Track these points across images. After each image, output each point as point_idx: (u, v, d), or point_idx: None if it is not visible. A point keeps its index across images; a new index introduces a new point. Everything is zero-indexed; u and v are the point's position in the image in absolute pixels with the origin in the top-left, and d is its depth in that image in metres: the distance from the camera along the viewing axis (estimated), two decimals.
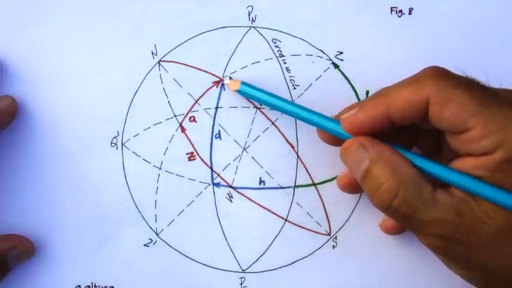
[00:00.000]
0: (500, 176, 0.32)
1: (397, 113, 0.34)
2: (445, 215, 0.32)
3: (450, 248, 0.33)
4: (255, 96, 0.40)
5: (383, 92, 0.35)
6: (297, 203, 0.42)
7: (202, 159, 0.42)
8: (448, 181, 0.33)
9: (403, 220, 0.34)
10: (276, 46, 0.41)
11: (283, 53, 0.41)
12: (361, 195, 0.42)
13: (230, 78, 0.41)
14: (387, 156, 0.34)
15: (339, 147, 0.37)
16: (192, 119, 0.42)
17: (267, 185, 0.42)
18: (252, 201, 0.42)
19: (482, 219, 0.32)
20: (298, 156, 0.42)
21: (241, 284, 0.42)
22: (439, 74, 0.34)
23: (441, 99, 0.32)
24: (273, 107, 0.39)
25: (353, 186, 0.39)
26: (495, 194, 0.32)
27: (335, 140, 0.37)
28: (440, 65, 0.41)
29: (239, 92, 0.40)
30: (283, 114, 0.41)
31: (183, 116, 0.42)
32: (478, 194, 0.32)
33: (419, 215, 0.33)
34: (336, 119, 0.37)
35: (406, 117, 0.34)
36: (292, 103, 0.39)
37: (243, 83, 0.40)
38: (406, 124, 0.34)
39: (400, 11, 0.41)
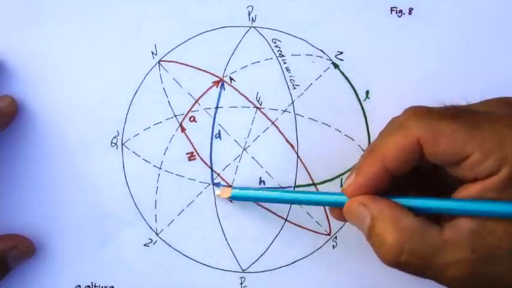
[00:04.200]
0: (509, 194, 0.31)
1: (394, 164, 0.33)
2: (460, 254, 0.31)
3: (474, 283, 0.32)
4: (250, 197, 0.40)
5: (373, 149, 0.34)
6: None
7: (202, 159, 0.42)
8: (456, 212, 0.33)
9: (418, 272, 0.33)
10: (276, 46, 0.41)
11: (283, 53, 0.41)
12: None
13: (220, 185, 0.42)
14: (387, 211, 0.33)
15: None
16: (192, 119, 0.42)
17: (267, 185, 0.42)
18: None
19: (496, 245, 0.31)
20: (298, 156, 0.42)
21: (241, 284, 0.42)
22: (420, 112, 0.33)
23: (432, 136, 0.32)
24: (272, 201, 0.40)
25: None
26: (508, 208, 0.31)
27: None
28: (441, 65, 0.41)
29: (231, 198, 0.41)
30: (283, 114, 0.41)
31: (183, 115, 0.42)
32: (490, 214, 0.31)
33: (434, 261, 0.32)
34: (339, 193, 0.37)
35: (404, 165, 0.33)
36: (291, 191, 0.40)
37: (234, 188, 0.40)
38: (405, 171, 0.34)
39: (400, 11, 0.41)
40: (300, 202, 0.39)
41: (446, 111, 0.33)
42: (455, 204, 0.33)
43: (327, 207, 0.42)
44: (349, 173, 0.36)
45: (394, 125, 0.34)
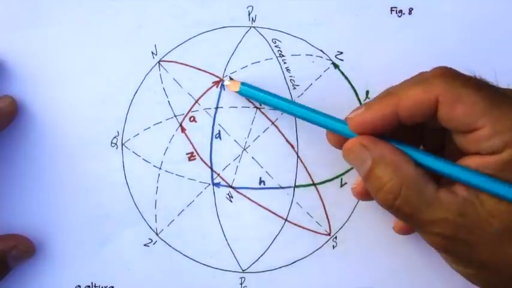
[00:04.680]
0: (508, 175, 0.32)
1: (406, 113, 0.34)
2: (447, 214, 0.32)
3: (452, 246, 0.33)
4: (255, 97, 0.40)
5: (391, 91, 0.35)
6: (297, 203, 0.42)
7: (202, 159, 0.42)
8: (453, 177, 0.33)
9: (406, 219, 0.34)
10: (276, 46, 0.41)
11: (283, 53, 0.41)
12: None
13: (230, 78, 0.41)
14: (389, 156, 0.34)
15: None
16: (192, 119, 0.42)
17: (267, 185, 0.42)
18: (252, 201, 0.42)
19: (485, 219, 0.32)
20: (298, 156, 0.42)
21: (241, 284, 0.42)
22: (448, 74, 0.33)
23: (451, 99, 0.32)
24: (275, 107, 0.39)
25: (368, 194, 0.38)
26: (503, 188, 0.31)
27: (343, 141, 0.37)
28: (440, 65, 0.41)
29: (239, 92, 0.40)
30: (283, 114, 0.41)
31: (183, 116, 0.42)
32: (484, 189, 0.32)
33: (422, 214, 0.33)
34: (343, 120, 0.37)
35: (415, 116, 0.34)
36: (294, 102, 0.39)
37: (243, 83, 0.40)
38: (414, 123, 0.34)
39: (400, 11, 0.41)
40: (301, 116, 0.38)
41: (473, 80, 0.33)
42: (454, 169, 0.33)
43: (325, 203, 0.42)
44: (358, 106, 0.36)
45: (419, 78, 0.34)
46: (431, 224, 0.33)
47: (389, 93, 0.35)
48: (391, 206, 0.33)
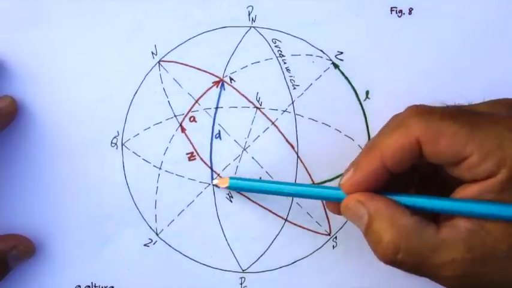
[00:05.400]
0: (507, 196, 0.31)
1: (392, 162, 0.33)
2: (454, 254, 0.31)
3: (465, 283, 0.32)
4: (247, 188, 0.40)
5: (372, 146, 0.34)
6: (297, 203, 0.42)
7: (202, 159, 0.42)
8: (454, 212, 0.32)
9: (413, 270, 0.33)
10: (276, 46, 0.41)
11: (283, 53, 0.41)
12: None
13: (219, 176, 0.41)
14: (384, 209, 0.33)
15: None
16: (192, 119, 0.42)
17: None
18: (252, 201, 0.42)
19: (493, 247, 0.31)
20: (298, 156, 0.42)
21: (241, 284, 0.42)
22: (422, 112, 0.33)
23: (431, 136, 0.32)
24: (269, 193, 0.39)
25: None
26: (506, 210, 0.31)
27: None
28: (441, 65, 0.41)
29: (229, 188, 0.40)
30: (284, 114, 0.41)
31: (183, 116, 0.42)
32: (488, 216, 0.31)
33: (428, 261, 0.32)
34: (337, 187, 0.36)
35: (402, 163, 0.33)
36: (287, 183, 0.39)
37: (232, 178, 0.40)
38: (404, 169, 0.34)
39: (400, 11, 0.41)
40: (296, 195, 0.38)
41: (447, 111, 0.33)
42: (453, 204, 0.33)
43: (325, 203, 0.42)
44: (347, 167, 0.36)
45: (395, 123, 0.34)
46: (439, 268, 0.32)
47: (371, 147, 0.34)
48: (394, 261, 0.33)
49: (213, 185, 0.41)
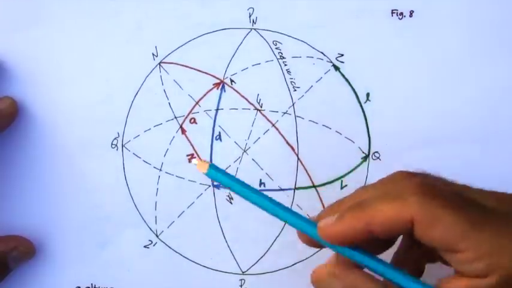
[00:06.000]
0: None
1: (379, 229, 0.31)
2: None
3: None
4: (223, 181, 0.33)
5: (364, 205, 0.32)
6: (297, 205, 0.42)
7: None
8: None
9: None
10: (276, 48, 0.41)
11: (283, 55, 0.41)
12: None
13: (199, 158, 0.40)
14: (362, 286, 0.31)
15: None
16: (192, 120, 0.42)
17: (267, 187, 0.42)
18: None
19: None
20: (298, 158, 0.42)
21: (241, 285, 0.42)
22: (425, 192, 0.31)
23: (427, 220, 0.30)
24: (246, 199, 0.33)
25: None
26: None
27: (314, 242, 0.33)
28: (441, 68, 0.41)
29: (207, 175, 0.33)
30: (284, 116, 0.41)
31: (184, 117, 0.42)
32: None
33: None
34: (314, 221, 0.33)
35: (389, 233, 0.31)
36: (264, 195, 0.33)
37: (212, 165, 0.33)
38: (390, 238, 0.32)
39: (401, 14, 0.41)
40: (270, 212, 0.33)
41: (451, 199, 0.31)
42: None
43: (326, 205, 0.41)
44: (329, 208, 0.34)
45: (394, 192, 0.31)
46: None
47: (361, 206, 0.32)
48: None
49: (193, 164, 0.34)
